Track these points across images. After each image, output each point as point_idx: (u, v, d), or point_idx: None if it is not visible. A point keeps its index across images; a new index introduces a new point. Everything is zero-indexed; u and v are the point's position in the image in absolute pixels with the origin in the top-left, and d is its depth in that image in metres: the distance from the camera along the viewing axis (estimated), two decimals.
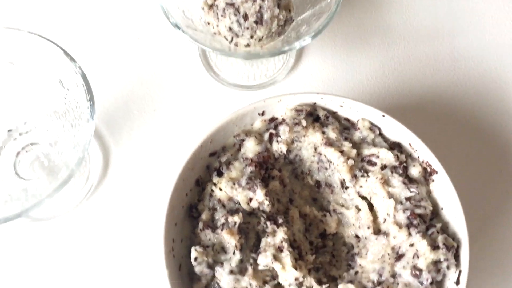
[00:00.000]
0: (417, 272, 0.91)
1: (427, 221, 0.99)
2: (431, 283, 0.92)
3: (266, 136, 1.05)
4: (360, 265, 0.98)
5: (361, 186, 1.02)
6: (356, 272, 0.97)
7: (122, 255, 1.13)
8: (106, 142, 1.21)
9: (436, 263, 0.92)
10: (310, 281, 0.93)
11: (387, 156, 1.01)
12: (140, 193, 1.17)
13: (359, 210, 1.03)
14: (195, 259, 0.94)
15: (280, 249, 0.95)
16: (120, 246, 1.14)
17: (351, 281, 0.95)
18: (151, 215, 1.15)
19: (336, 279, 0.98)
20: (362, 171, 1.01)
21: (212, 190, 1.01)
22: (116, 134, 1.18)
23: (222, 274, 0.94)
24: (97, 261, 1.13)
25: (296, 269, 0.93)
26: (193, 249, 0.95)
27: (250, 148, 1.03)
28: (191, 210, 1.02)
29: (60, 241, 1.12)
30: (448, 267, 0.92)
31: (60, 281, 1.11)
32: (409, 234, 0.95)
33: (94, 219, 1.13)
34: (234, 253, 0.95)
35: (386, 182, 1.01)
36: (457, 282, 0.93)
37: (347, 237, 1.04)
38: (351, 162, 1.00)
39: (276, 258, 0.94)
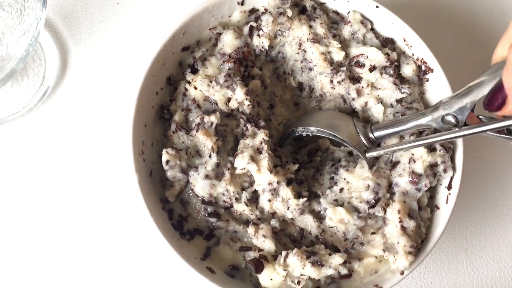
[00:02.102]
0: (416, 179, 0.85)
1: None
2: (426, 190, 0.87)
3: (246, 29, 0.94)
4: (346, 180, 0.90)
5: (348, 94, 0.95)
6: (342, 189, 0.89)
7: (84, 163, 1.04)
8: (63, 39, 1.08)
9: (432, 166, 0.86)
10: (287, 191, 0.85)
11: (376, 56, 0.92)
12: (104, 96, 1.06)
13: None
14: (167, 162, 0.85)
15: (259, 151, 0.87)
16: (81, 153, 1.04)
17: (336, 200, 0.88)
18: (117, 119, 1.05)
19: (319, 197, 0.90)
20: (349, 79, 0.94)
21: (186, 89, 0.91)
22: (74, 30, 1.08)
23: (197, 179, 0.86)
24: (54, 171, 1.03)
25: (271, 172, 0.85)
26: (164, 151, 0.86)
27: (228, 42, 0.92)
28: (162, 111, 0.92)
29: (12, 148, 1.04)
30: (445, 170, 0.86)
31: (11, 190, 1.02)
32: (401, 137, 0.88)
33: (51, 124, 1.05)
34: (210, 156, 0.87)
35: (374, 86, 0.93)
36: (449, 187, 0.88)
37: (338, 152, 0.96)
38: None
39: (253, 159, 0.85)
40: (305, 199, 0.86)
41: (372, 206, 0.86)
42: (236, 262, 0.87)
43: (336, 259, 0.81)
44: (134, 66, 1.07)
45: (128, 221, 1.01)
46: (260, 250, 0.85)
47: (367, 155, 0.87)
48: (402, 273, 0.83)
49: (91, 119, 1.05)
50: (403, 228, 0.83)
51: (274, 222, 0.86)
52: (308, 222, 0.87)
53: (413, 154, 0.86)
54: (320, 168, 0.95)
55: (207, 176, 0.86)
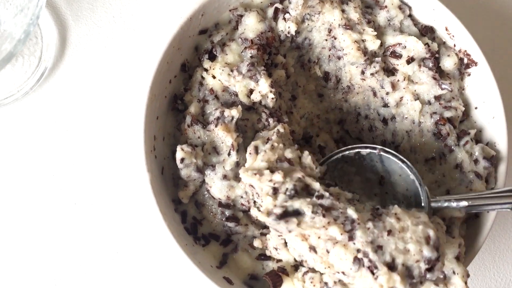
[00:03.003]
0: None
1: (457, 125, 0.85)
2: None
3: (270, 12, 0.84)
4: (397, 216, 0.71)
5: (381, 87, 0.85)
6: (390, 232, 0.69)
7: (85, 153, 0.96)
8: (62, 15, 0.98)
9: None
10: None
11: (415, 46, 0.84)
12: (107, 80, 0.97)
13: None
14: (182, 160, 0.77)
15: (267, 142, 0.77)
16: (82, 143, 0.96)
17: (377, 245, 0.68)
18: (122, 106, 0.96)
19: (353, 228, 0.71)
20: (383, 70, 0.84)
21: (203, 78, 0.82)
22: (74, 5, 0.99)
23: (214, 179, 0.78)
24: (51, 162, 0.95)
25: (273, 172, 0.72)
26: (178, 148, 0.77)
27: (251, 26, 0.82)
28: (175, 102, 0.83)
29: (5, 136, 0.96)
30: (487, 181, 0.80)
31: (4, 183, 0.95)
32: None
33: (48, 109, 0.97)
34: (229, 154, 0.78)
35: (411, 80, 0.85)
36: None
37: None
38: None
39: (256, 150, 0.76)
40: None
41: (430, 269, 0.68)
42: (255, 271, 0.81)
43: None
44: (142, 48, 0.98)
45: (133, 219, 0.94)
46: (278, 260, 0.79)
47: (433, 204, 0.75)
48: None
49: (92, 105, 0.97)
50: None
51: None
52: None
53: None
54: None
55: (225, 177, 0.78)
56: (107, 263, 0.94)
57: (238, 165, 0.78)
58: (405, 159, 0.76)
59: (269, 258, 0.80)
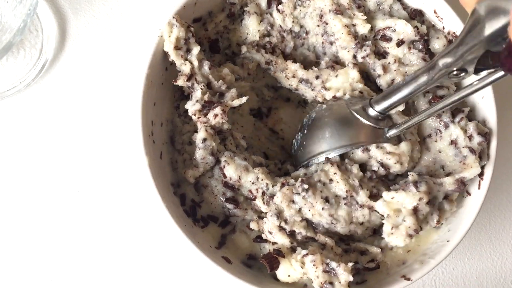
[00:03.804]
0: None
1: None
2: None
3: (263, 2, 0.87)
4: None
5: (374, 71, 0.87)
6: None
7: (86, 142, 0.97)
8: (61, 8, 1.00)
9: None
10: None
11: (405, 29, 0.85)
12: (106, 70, 0.99)
13: None
14: (203, 140, 0.80)
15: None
16: (83, 132, 0.98)
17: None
18: (121, 95, 0.98)
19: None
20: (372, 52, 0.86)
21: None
22: None
23: (234, 159, 0.81)
24: (53, 151, 0.97)
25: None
26: (203, 128, 0.79)
27: (252, 29, 0.87)
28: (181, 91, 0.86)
29: (9, 126, 0.97)
30: (480, 158, 0.81)
31: (7, 173, 0.96)
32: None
33: (50, 100, 0.98)
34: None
35: (402, 62, 0.86)
36: (481, 173, 0.82)
37: None
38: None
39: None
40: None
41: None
42: (253, 251, 0.83)
43: (347, 276, 0.75)
44: (139, 38, 0.99)
45: (134, 205, 0.96)
46: (274, 243, 0.80)
47: (389, 134, 0.80)
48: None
49: (93, 95, 0.98)
50: (415, 210, 0.77)
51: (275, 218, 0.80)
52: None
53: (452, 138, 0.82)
54: None
55: (245, 159, 0.81)
56: (111, 247, 0.95)
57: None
58: (347, 147, 0.81)
59: (266, 240, 0.81)
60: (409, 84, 0.75)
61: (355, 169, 0.81)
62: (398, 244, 0.77)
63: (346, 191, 0.79)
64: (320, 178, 0.80)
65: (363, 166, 0.83)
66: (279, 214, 0.79)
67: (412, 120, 0.78)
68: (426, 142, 0.85)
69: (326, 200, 0.79)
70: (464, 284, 1.00)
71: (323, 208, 0.78)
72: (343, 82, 0.84)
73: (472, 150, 0.81)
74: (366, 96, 0.84)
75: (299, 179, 0.79)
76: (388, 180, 0.84)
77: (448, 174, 0.81)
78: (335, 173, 0.79)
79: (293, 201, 0.79)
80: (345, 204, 0.79)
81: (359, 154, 0.82)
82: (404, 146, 0.80)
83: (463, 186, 0.79)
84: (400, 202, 0.77)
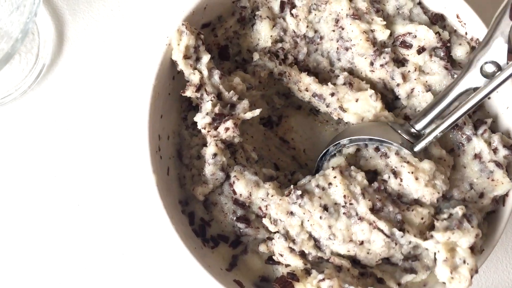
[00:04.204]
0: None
1: (471, 114, 0.82)
2: None
3: (276, 6, 0.82)
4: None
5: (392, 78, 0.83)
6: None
7: (86, 153, 0.94)
8: (59, 10, 0.96)
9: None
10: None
11: (426, 35, 0.81)
12: (107, 76, 0.95)
13: None
14: (214, 156, 0.76)
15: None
16: (83, 143, 0.94)
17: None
18: (124, 103, 0.94)
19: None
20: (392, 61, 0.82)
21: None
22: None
23: (244, 174, 0.77)
24: (51, 163, 0.93)
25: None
26: (213, 142, 0.76)
27: (264, 35, 0.82)
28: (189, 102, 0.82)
29: (4, 135, 0.94)
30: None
31: (3, 185, 0.93)
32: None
33: (47, 108, 0.95)
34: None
35: (422, 70, 0.82)
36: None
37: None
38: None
39: None
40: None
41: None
42: (266, 272, 0.80)
43: None
44: (143, 43, 0.95)
45: (138, 220, 0.92)
46: (287, 265, 0.77)
47: (416, 149, 0.77)
48: None
49: (93, 103, 0.94)
50: (472, 248, 0.73)
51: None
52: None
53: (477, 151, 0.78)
54: None
55: (256, 173, 0.77)
56: (112, 266, 0.92)
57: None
58: (373, 137, 0.78)
59: (278, 262, 0.78)
60: (449, 92, 0.74)
61: (359, 176, 0.76)
62: None
63: (344, 197, 0.74)
64: (319, 182, 0.76)
65: (374, 178, 0.78)
66: (287, 234, 0.75)
67: (438, 128, 0.74)
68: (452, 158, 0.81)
69: (325, 208, 0.74)
70: None
71: (321, 217, 0.73)
72: (363, 111, 0.79)
73: (498, 165, 0.77)
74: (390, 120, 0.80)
75: (291, 186, 0.76)
76: (401, 203, 0.77)
77: (481, 195, 0.77)
78: (335, 177, 0.75)
79: (292, 213, 0.75)
80: (344, 213, 0.74)
81: (376, 158, 0.78)
82: (426, 164, 0.76)
83: (497, 205, 0.75)
84: (454, 241, 0.73)
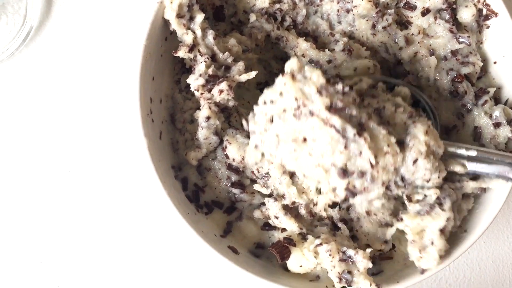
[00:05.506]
0: None
1: (475, 82, 0.80)
2: None
3: None
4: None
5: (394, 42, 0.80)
6: None
7: (76, 117, 0.92)
8: None
9: None
10: None
11: None
12: (97, 37, 0.92)
13: None
14: (207, 119, 0.74)
15: None
16: (73, 107, 0.92)
17: None
18: (114, 65, 0.92)
19: None
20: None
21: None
22: None
23: (236, 138, 0.75)
24: (40, 127, 0.91)
25: None
26: (206, 105, 0.74)
27: None
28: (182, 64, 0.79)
29: None
30: None
31: None
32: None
33: (36, 71, 0.92)
34: None
35: (426, 34, 0.80)
36: None
37: None
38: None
39: None
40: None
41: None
42: (261, 239, 0.78)
43: (366, 263, 0.71)
44: (134, 2, 0.92)
45: (130, 187, 0.91)
46: (283, 229, 0.76)
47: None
48: (422, 272, 0.73)
49: (83, 66, 0.92)
50: (443, 230, 0.71)
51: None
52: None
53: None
54: None
55: (248, 137, 0.75)
56: (105, 233, 0.91)
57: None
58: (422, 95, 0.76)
59: (274, 227, 0.77)
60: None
61: (315, 75, 0.65)
62: (431, 268, 0.71)
63: (296, 100, 0.64)
64: (265, 98, 0.68)
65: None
66: (277, 194, 0.75)
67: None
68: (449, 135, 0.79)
69: (271, 120, 0.67)
70: (479, 269, 0.97)
71: (265, 129, 0.68)
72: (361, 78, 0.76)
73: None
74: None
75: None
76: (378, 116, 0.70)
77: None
78: (285, 84, 0.66)
79: (256, 146, 0.70)
80: (293, 115, 0.65)
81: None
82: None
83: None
84: (424, 225, 0.71)
